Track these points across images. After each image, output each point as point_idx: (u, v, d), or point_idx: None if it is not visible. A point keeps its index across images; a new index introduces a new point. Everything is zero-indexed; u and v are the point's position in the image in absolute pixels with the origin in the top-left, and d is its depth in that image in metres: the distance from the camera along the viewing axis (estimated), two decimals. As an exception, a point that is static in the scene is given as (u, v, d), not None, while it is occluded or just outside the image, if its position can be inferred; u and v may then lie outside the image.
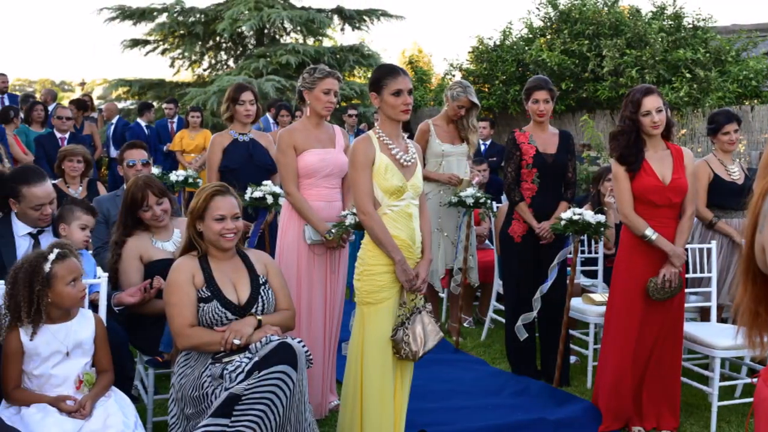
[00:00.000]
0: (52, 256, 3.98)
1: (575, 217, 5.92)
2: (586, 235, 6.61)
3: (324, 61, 18.51)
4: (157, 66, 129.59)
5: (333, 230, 5.44)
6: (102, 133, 15.61)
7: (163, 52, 21.45)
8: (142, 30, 21.02)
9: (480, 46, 18.72)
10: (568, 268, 6.49)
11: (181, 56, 21.46)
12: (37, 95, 19.80)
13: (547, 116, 6.52)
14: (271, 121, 13.65)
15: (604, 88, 16.18)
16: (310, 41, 21.29)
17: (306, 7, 20.67)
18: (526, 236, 6.52)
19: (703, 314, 6.80)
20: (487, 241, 8.93)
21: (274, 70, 18.81)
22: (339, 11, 20.97)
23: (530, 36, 18.43)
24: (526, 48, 17.63)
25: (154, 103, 18.87)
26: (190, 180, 8.16)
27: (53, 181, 6.07)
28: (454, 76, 19.72)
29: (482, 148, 12.09)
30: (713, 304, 6.30)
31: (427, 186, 6.38)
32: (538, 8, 18.43)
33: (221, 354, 4.24)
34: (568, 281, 6.32)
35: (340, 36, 30.14)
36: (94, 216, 5.27)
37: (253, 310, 4.43)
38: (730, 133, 6.69)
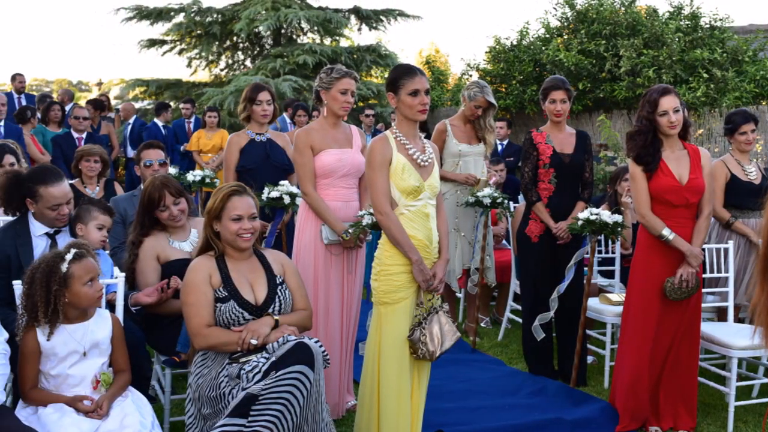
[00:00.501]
0: (69, 256, 3.99)
1: (592, 217, 5.90)
2: (603, 235, 6.59)
3: (341, 61, 18.54)
4: (174, 66, 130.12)
5: (350, 230, 5.43)
6: (119, 133, 15.68)
7: (180, 52, 21.55)
8: (159, 30, 21.21)
9: (497, 46, 18.74)
10: (585, 268, 6.48)
11: (198, 56, 21.55)
12: (54, 95, 19.86)
13: (564, 116, 6.50)
14: (288, 121, 13.69)
15: (621, 88, 16.14)
16: (327, 41, 21.35)
17: (323, 7, 20.74)
18: (543, 236, 6.51)
19: (720, 314, 6.77)
20: (504, 241, 8.91)
21: (291, 70, 18.86)
22: (356, 11, 21.01)
23: (547, 36, 18.43)
24: (543, 48, 17.63)
25: (171, 103, 18.96)
26: (207, 180, 8.18)
27: (70, 181, 6.08)
28: (471, 76, 19.75)
29: (499, 148, 12.08)
30: (730, 304, 6.26)
31: (444, 186, 6.36)
32: (555, 8, 18.45)
33: (238, 354, 4.24)
34: (585, 281, 6.30)
35: (357, 36, 30.12)
36: (111, 216, 5.28)
37: (270, 310, 4.43)
38: (747, 133, 6.68)
